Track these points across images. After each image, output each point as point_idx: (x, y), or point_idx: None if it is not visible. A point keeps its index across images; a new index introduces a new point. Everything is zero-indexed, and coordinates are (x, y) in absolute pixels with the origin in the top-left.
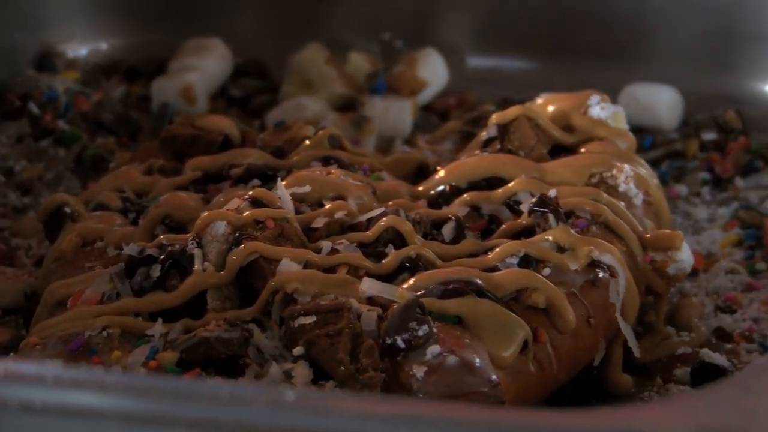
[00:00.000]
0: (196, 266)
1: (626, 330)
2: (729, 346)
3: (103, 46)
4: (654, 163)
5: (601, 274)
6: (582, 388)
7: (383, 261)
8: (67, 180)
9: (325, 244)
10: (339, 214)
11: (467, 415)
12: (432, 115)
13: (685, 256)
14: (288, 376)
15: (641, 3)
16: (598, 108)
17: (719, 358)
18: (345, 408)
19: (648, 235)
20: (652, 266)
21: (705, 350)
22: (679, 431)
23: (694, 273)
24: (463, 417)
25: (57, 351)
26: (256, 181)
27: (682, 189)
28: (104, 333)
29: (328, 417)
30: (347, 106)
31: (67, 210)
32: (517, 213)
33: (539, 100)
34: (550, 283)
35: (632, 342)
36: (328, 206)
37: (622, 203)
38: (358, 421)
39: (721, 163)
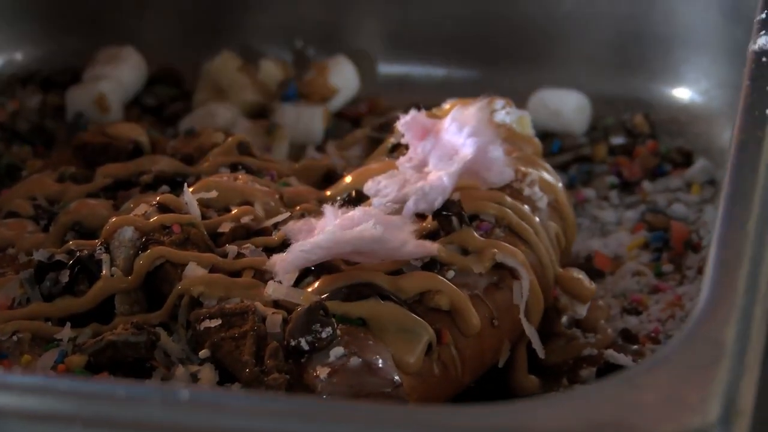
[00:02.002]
0: (104, 271)
1: (530, 331)
2: (635, 347)
3: (18, 56)
4: (562, 168)
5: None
6: (489, 391)
7: None
8: None
9: (231, 249)
10: (245, 219)
11: (356, 413)
12: (344, 121)
13: (585, 311)
14: (194, 379)
15: (551, 8)
16: (503, 113)
17: (623, 359)
18: (238, 406)
19: (564, 273)
20: (553, 303)
21: (609, 351)
22: (568, 426)
23: (600, 275)
24: (353, 414)
25: None
26: (165, 188)
27: (590, 193)
28: (14, 338)
29: (222, 415)
30: (259, 113)
31: None
32: (422, 217)
33: (445, 106)
34: (453, 286)
35: (536, 343)
36: (234, 211)
37: (527, 207)
38: (252, 419)
39: (629, 167)
